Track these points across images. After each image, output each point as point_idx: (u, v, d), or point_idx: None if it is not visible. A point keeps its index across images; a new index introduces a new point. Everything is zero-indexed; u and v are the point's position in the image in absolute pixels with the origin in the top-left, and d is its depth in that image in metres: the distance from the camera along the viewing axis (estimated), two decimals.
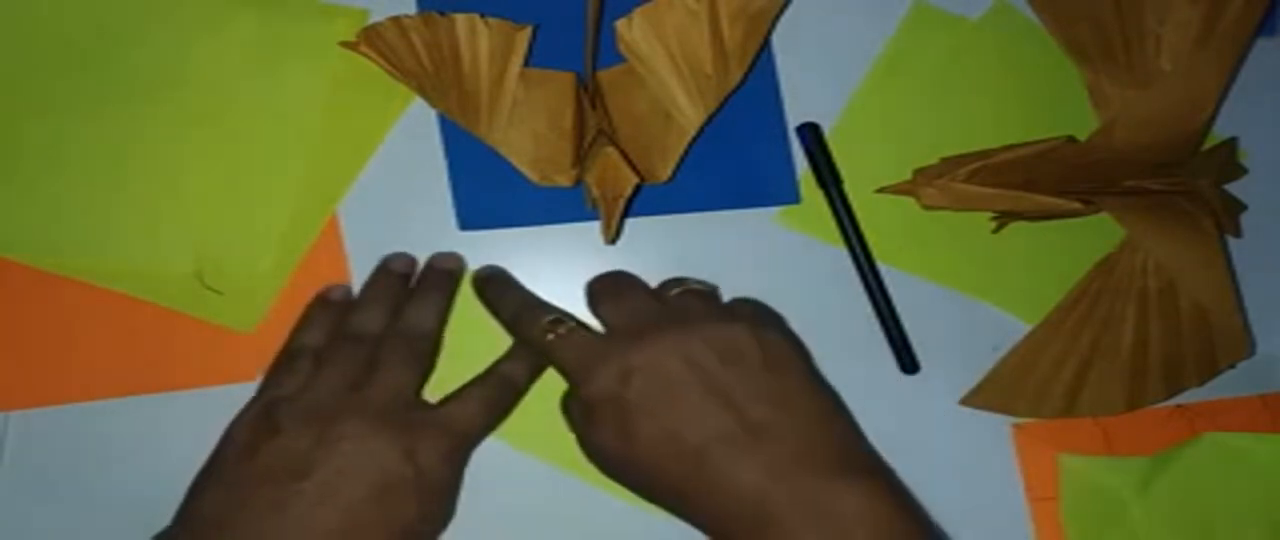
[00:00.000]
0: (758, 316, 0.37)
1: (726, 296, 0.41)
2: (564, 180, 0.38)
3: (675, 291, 0.37)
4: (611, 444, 0.33)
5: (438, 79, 0.37)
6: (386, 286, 0.38)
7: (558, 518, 0.40)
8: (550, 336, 0.35)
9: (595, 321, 0.37)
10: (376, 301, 0.38)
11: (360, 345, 0.36)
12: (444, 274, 0.39)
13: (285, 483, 0.32)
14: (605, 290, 0.37)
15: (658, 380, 0.32)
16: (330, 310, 0.38)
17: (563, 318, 0.36)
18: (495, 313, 0.38)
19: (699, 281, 0.38)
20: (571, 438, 0.36)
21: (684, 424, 0.32)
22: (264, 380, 0.37)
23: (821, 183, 0.41)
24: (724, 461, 0.31)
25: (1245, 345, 0.42)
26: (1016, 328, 0.42)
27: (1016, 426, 0.42)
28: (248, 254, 0.38)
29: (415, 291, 0.38)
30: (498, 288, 0.39)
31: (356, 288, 0.39)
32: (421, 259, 0.40)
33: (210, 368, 0.38)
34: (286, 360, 0.37)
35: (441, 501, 0.35)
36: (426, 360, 0.37)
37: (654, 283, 0.41)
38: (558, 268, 0.41)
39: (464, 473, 0.37)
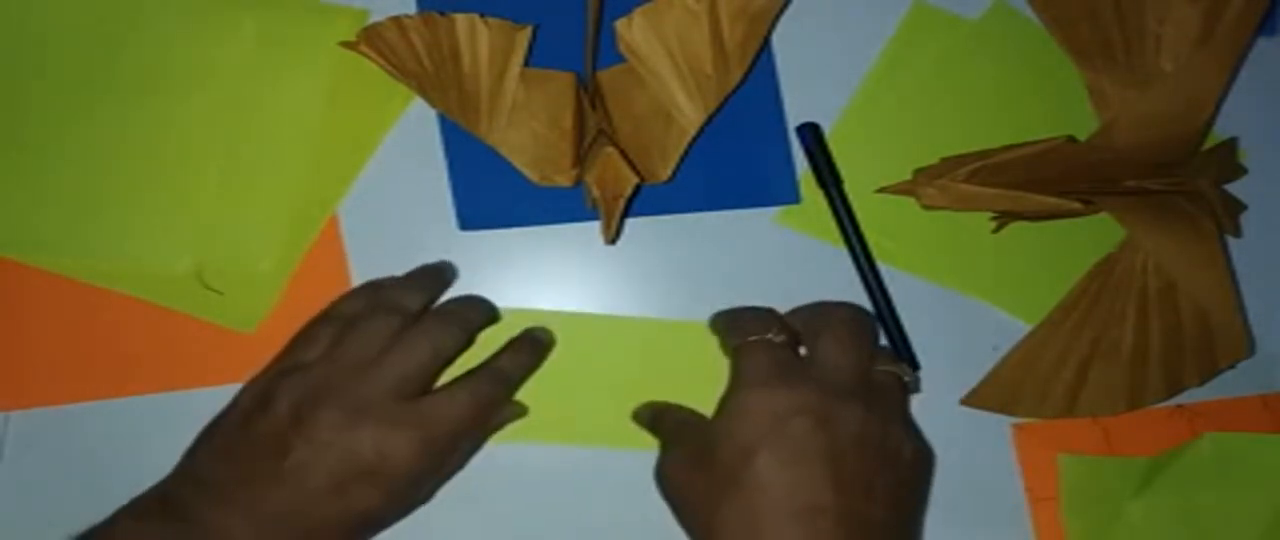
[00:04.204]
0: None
1: (726, 297, 0.41)
2: (564, 180, 0.38)
3: (883, 366, 0.37)
4: (723, 454, 0.34)
5: (438, 79, 0.37)
6: (434, 279, 0.39)
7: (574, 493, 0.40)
8: (752, 338, 0.36)
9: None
10: (422, 285, 0.38)
11: (392, 317, 0.36)
12: (482, 305, 0.39)
13: (263, 459, 0.33)
14: (838, 328, 0.37)
15: (818, 438, 0.33)
16: (375, 288, 0.38)
17: (776, 331, 0.37)
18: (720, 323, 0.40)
19: (905, 367, 0.39)
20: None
21: (806, 487, 0.33)
22: (287, 345, 0.37)
23: (821, 183, 0.41)
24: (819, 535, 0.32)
25: (1245, 345, 0.42)
26: (1016, 328, 0.42)
27: (1016, 426, 0.42)
28: (248, 254, 0.39)
29: (463, 297, 0.39)
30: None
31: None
32: (421, 259, 0.40)
33: (210, 368, 0.39)
34: (312, 328, 0.37)
35: (407, 492, 0.36)
36: (451, 349, 0.37)
37: (657, 281, 0.41)
38: (558, 268, 0.41)
39: (456, 457, 0.37)
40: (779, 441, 0.33)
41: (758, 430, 0.34)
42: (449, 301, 0.39)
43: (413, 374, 0.35)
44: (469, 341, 0.37)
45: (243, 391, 0.36)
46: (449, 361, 0.37)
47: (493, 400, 0.37)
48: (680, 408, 0.39)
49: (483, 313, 0.39)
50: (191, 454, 0.35)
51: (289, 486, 0.33)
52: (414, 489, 0.36)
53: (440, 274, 0.39)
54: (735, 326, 0.38)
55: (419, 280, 0.39)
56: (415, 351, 0.35)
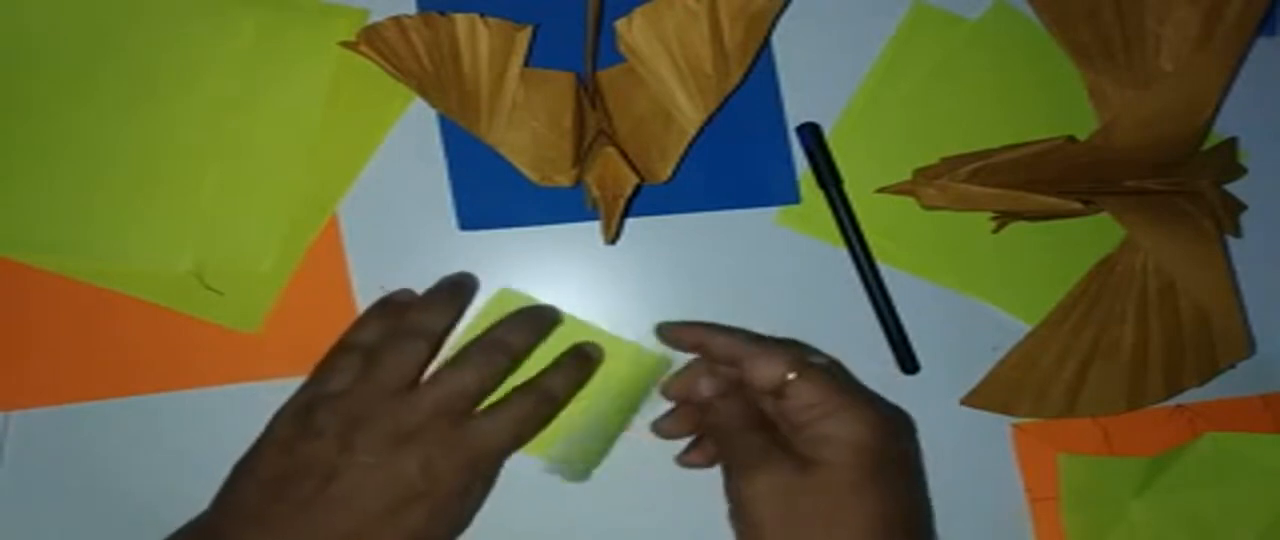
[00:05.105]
0: None
1: (726, 297, 0.41)
2: (564, 180, 0.38)
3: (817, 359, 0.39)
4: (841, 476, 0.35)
5: (438, 79, 0.37)
6: (454, 295, 0.38)
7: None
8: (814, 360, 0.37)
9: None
10: (443, 304, 0.38)
11: (418, 342, 0.36)
12: (542, 313, 0.39)
13: (310, 484, 0.33)
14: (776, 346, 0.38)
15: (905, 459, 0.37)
16: (391, 310, 0.38)
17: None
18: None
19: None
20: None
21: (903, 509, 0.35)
22: (312, 374, 0.37)
23: (821, 183, 0.41)
24: None
25: (1245, 345, 0.42)
26: (1016, 328, 0.42)
27: (1016, 426, 0.43)
28: (248, 254, 0.39)
29: (516, 318, 0.38)
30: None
31: (357, 289, 0.39)
32: (421, 259, 0.40)
33: (210, 368, 0.39)
34: (336, 356, 0.37)
35: (455, 510, 0.36)
36: (496, 379, 0.36)
37: (657, 281, 0.41)
38: (558, 268, 0.41)
39: (491, 478, 0.37)
40: (888, 468, 0.35)
41: (873, 458, 0.35)
42: (499, 328, 0.38)
43: (457, 402, 0.35)
44: (514, 368, 0.37)
45: (273, 424, 0.36)
46: (493, 389, 0.37)
47: (537, 421, 0.37)
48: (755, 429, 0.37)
49: (531, 339, 0.38)
50: (229, 489, 0.35)
51: (339, 510, 0.33)
52: (457, 508, 0.36)
53: (460, 289, 0.39)
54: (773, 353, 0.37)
55: (440, 298, 0.38)
56: (461, 381, 0.35)
